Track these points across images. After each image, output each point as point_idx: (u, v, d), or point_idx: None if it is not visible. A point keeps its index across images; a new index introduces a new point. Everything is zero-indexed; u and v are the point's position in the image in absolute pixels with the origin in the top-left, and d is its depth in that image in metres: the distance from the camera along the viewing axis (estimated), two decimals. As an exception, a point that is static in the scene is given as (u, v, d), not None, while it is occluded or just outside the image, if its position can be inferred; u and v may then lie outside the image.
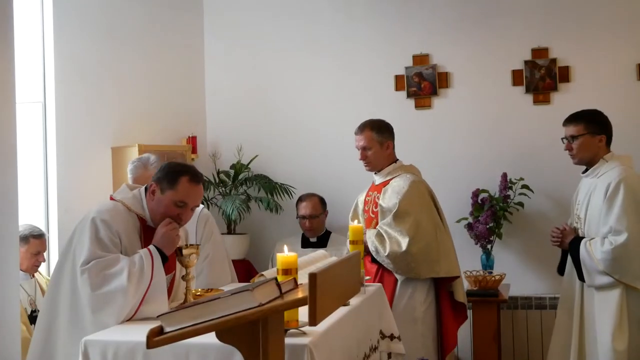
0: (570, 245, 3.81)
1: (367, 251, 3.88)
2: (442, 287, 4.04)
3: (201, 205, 3.74)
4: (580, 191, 3.96)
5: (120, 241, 2.84)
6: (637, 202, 3.64)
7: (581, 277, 3.75)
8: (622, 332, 3.60)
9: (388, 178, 4.13)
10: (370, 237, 3.94)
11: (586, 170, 3.91)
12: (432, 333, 4.01)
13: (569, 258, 3.88)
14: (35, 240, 4.16)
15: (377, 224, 4.00)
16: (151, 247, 2.83)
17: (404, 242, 3.87)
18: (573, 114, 3.92)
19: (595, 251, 3.65)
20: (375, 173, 4.21)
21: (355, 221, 3.40)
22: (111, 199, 2.99)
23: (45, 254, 4.30)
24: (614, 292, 3.63)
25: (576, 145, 3.83)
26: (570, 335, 3.79)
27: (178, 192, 2.87)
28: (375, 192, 4.15)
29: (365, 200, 4.24)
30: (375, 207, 4.09)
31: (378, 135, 4.12)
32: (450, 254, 4.04)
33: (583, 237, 3.79)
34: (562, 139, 3.92)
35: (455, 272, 4.00)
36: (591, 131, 3.80)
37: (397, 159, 4.22)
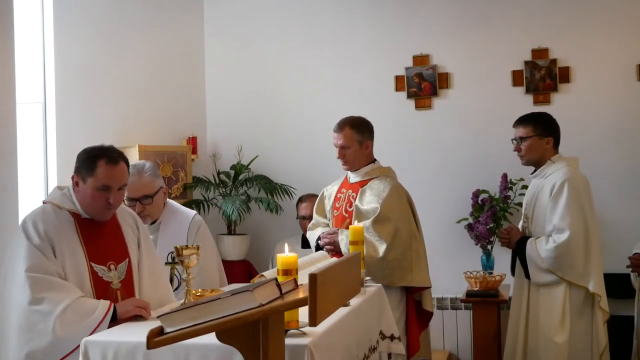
0: (517, 245, 3.93)
1: (336, 251, 3.85)
2: (410, 294, 3.99)
3: (193, 212, 3.72)
4: (528, 192, 4.06)
5: (48, 240, 2.77)
6: (580, 201, 3.76)
7: (527, 276, 3.87)
8: (563, 326, 3.73)
9: (366, 178, 4.04)
10: (344, 240, 3.88)
11: (535, 171, 4.00)
12: (404, 340, 3.95)
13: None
14: None
15: (349, 223, 3.94)
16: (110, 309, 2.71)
17: (381, 249, 3.80)
18: (522, 116, 4.01)
19: (539, 250, 3.77)
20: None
21: (355, 221, 3.39)
22: (43, 202, 2.95)
23: None
24: (558, 289, 3.76)
25: (524, 146, 3.91)
26: (518, 334, 3.91)
27: (98, 178, 2.80)
28: (351, 191, 4.06)
29: (336, 196, 4.14)
30: (350, 207, 4.03)
31: (358, 135, 4.02)
32: (423, 264, 3.99)
33: (530, 237, 3.89)
34: (512, 140, 3.97)
35: (427, 282, 3.96)
36: (539, 133, 3.90)
37: (375, 159, 4.13)
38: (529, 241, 3.85)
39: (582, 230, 3.74)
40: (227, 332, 1.99)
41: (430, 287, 4.00)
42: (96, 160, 2.81)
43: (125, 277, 2.87)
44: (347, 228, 3.76)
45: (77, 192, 2.89)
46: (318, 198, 4.30)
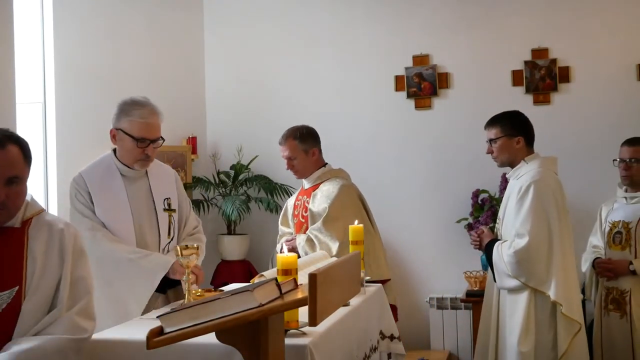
0: (486, 248, 3.85)
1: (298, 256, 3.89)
2: None
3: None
4: (505, 193, 4.00)
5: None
6: (544, 205, 3.63)
7: (495, 279, 3.80)
8: (528, 334, 3.61)
9: (317, 182, 4.15)
10: (301, 243, 3.95)
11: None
12: None
13: None
14: None
15: (307, 228, 4.03)
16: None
17: (334, 247, 3.85)
18: (492, 117, 3.92)
19: (503, 254, 3.68)
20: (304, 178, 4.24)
21: (355, 221, 3.39)
22: None
23: None
24: (522, 295, 3.64)
25: (495, 148, 3.83)
26: (489, 336, 3.84)
27: None
28: (305, 197, 4.17)
29: (295, 204, 4.26)
30: (305, 212, 4.10)
31: (302, 144, 4.13)
32: (380, 258, 4.03)
33: (499, 239, 3.83)
34: (486, 141, 3.91)
35: (385, 275, 3.98)
36: (508, 133, 3.80)
37: (326, 163, 4.24)
38: (495, 244, 3.76)
39: (545, 236, 3.60)
40: (227, 332, 1.99)
41: (389, 280, 4.01)
42: None
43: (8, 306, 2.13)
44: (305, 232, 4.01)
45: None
46: (282, 211, 4.42)
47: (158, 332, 1.99)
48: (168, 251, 3.26)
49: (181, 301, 2.96)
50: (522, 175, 3.76)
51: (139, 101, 3.26)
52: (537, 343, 3.61)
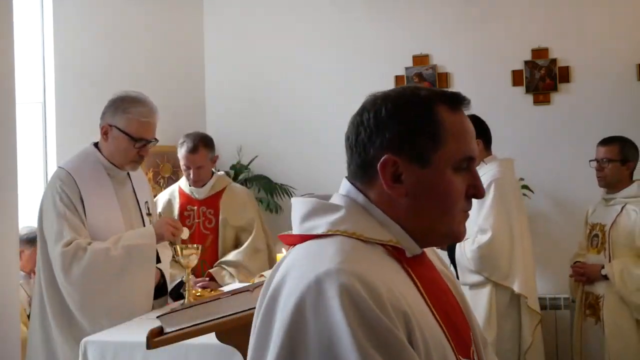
0: (448, 246, 3.91)
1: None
2: None
3: None
4: None
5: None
6: (505, 202, 3.75)
7: (458, 276, 3.87)
8: (490, 326, 3.72)
9: (217, 191, 4.17)
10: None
11: None
12: None
13: None
14: None
15: (214, 240, 4.08)
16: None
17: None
18: None
19: (466, 251, 3.77)
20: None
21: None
22: None
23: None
24: (484, 290, 3.76)
25: None
26: None
27: None
28: (205, 207, 4.14)
29: (184, 214, 4.15)
30: (210, 223, 4.10)
31: (210, 152, 4.15)
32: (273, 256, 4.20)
33: None
34: None
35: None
36: None
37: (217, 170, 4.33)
38: (458, 242, 3.84)
39: (506, 231, 3.73)
40: (227, 332, 1.99)
41: None
42: None
43: None
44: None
45: None
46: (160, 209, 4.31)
47: (158, 332, 1.99)
48: None
49: (181, 301, 2.96)
50: (481, 176, 3.81)
51: (137, 98, 3.07)
52: (499, 336, 3.72)
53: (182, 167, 4.13)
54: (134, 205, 3.16)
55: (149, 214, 3.21)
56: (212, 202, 4.13)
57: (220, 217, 4.08)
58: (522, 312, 3.75)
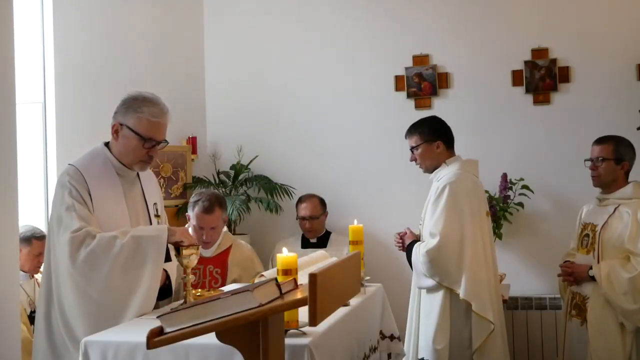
0: (407, 249, 3.93)
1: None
2: None
3: None
4: (428, 195, 4.05)
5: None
6: (457, 206, 3.73)
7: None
8: (443, 332, 3.70)
9: (223, 249, 4.20)
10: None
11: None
12: None
13: None
14: (37, 241, 4.16)
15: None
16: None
17: None
18: (410, 125, 4.02)
19: (419, 254, 3.76)
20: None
21: (355, 221, 3.40)
22: None
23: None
24: (438, 294, 3.75)
25: (417, 155, 3.95)
26: (411, 336, 3.93)
27: None
28: (212, 266, 4.14)
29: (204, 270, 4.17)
30: (216, 283, 4.12)
31: (224, 212, 4.21)
32: None
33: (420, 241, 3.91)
34: (409, 149, 4.02)
35: None
36: (427, 139, 3.91)
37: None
38: (415, 245, 3.84)
39: (456, 236, 3.69)
40: (227, 332, 1.99)
41: None
42: None
43: None
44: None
45: None
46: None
47: (158, 332, 1.99)
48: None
49: (181, 301, 2.96)
50: (441, 178, 3.88)
51: (149, 98, 3.05)
52: (453, 341, 3.70)
53: (193, 225, 4.03)
54: (142, 206, 3.13)
55: (157, 216, 3.17)
56: (219, 260, 4.10)
57: (229, 279, 4.04)
58: (473, 317, 3.70)
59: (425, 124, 3.97)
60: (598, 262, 3.75)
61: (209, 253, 4.12)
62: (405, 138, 4.01)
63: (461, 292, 3.67)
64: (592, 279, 3.73)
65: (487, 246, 3.85)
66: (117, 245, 2.80)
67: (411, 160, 4.00)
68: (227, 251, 4.17)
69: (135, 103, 3.01)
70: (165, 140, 3.09)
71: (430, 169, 3.95)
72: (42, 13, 4.78)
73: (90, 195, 2.93)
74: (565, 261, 4.01)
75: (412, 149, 3.96)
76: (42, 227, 4.52)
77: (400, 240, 4.00)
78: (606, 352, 3.68)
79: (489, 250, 3.86)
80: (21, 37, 4.12)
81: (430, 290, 3.78)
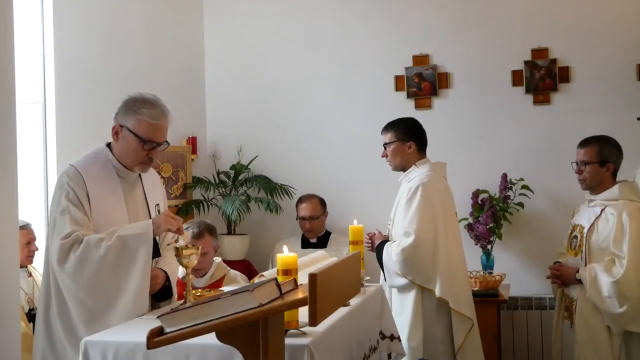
0: (377, 249, 3.98)
1: None
2: None
3: None
4: (397, 196, 4.11)
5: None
6: (431, 206, 3.81)
7: (386, 279, 3.91)
8: (417, 330, 3.77)
9: (216, 280, 4.19)
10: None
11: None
12: None
13: None
14: (22, 231, 4.19)
15: None
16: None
17: None
18: (388, 122, 4.10)
19: (392, 253, 3.81)
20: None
21: (355, 221, 3.40)
22: None
23: (36, 243, 4.32)
24: (410, 293, 3.80)
25: (389, 152, 4.03)
26: None
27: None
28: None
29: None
30: None
31: (214, 239, 4.28)
32: None
33: (390, 241, 3.96)
34: (383, 145, 4.09)
35: None
36: (400, 138, 4.00)
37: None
38: (385, 245, 3.89)
39: (430, 235, 3.77)
40: (227, 332, 1.99)
41: None
42: None
43: None
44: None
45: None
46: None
47: (158, 332, 1.99)
48: (157, 262, 3.09)
49: (181, 301, 2.96)
50: (412, 179, 3.96)
51: (149, 99, 3.05)
52: (426, 338, 3.77)
53: None
54: (142, 207, 3.11)
55: None
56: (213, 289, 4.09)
57: None
58: (453, 314, 3.78)
59: (402, 123, 4.07)
60: (586, 265, 3.73)
61: (202, 282, 4.10)
62: (381, 134, 4.10)
63: (437, 290, 3.75)
64: (580, 281, 3.72)
65: (459, 245, 3.98)
66: (103, 247, 2.82)
67: (382, 156, 4.09)
68: (220, 281, 4.16)
69: (135, 105, 3.01)
70: (166, 142, 3.09)
71: (399, 167, 4.05)
72: (42, 13, 4.78)
73: (88, 196, 2.93)
74: (555, 262, 4.02)
75: (385, 145, 4.05)
76: (42, 227, 4.53)
77: (370, 241, 4.04)
78: (594, 356, 3.68)
79: (460, 249, 3.98)
80: (21, 37, 4.12)
81: (402, 289, 3.85)
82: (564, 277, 3.85)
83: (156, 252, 2.99)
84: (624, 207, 3.65)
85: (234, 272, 4.36)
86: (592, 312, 3.69)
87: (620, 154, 3.86)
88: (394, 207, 4.05)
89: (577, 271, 3.74)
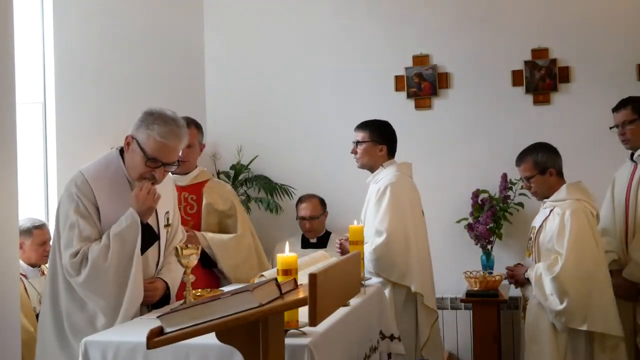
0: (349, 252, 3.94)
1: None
2: None
3: None
4: (366, 197, 4.17)
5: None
6: (400, 205, 3.89)
7: None
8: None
9: (199, 181, 4.07)
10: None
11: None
12: None
13: None
14: (38, 230, 4.22)
15: (195, 226, 3.95)
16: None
17: None
18: (362, 121, 4.16)
19: (365, 253, 3.76)
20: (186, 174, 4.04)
21: (355, 221, 3.41)
22: None
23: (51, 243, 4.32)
24: (385, 290, 3.82)
25: (360, 150, 4.10)
26: None
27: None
28: (187, 193, 4.01)
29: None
30: (192, 209, 4.03)
31: (200, 134, 4.11)
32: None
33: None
34: (352, 142, 4.14)
35: None
36: (374, 140, 4.08)
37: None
38: None
39: (401, 232, 3.86)
40: (227, 332, 1.99)
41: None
42: None
43: None
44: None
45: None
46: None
47: (158, 332, 1.99)
48: (159, 265, 3.10)
49: (181, 301, 2.96)
50: (380, 180, 4.04)
51: (164, 116, 2.94)
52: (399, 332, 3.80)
53: None
54: (151, 218, 3.04)
55: (167, 225, 3.12)
56: (195, 189, 4.03)
57: (205, 202, 3.97)
58: (419, 309, 3.90)
59: (378, 126, 4.13)
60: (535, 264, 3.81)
61: (184, 181, 3.99)
62: (354, 130, 4.14)
63: (413, 285, 3.85)
64: (529, 281, 3.79)
65: (427, 242, 4.09)
66: (109, 256, 2.84)
67: (351, 153, 4.13)
68: (202, 183, 4.06)
69: (149, 119, 2.93)
70: (175, 163, 2.98)
71: (365, 166, 4.12)
72: (42, 13, 4.77)
73: (97, 207, 2.91)
74: (517, 264, 4.11)
75: (357, 142, 4.10)
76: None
77: (340, 247, 4.04)
78: (539, 353, 3.72)
79: (427, 245, 4.10)
80: (21, 37, 4.12)
81: None
82: (516, 277, 3.95)
83: (154, 235, 3.01)
84: (569, 206, 3.73)
85: (218, 180, 4.35)
86: (539, 311, 3.75)
87: (556, 154, 3.94)
88: (363, 209, 4.13)
89: (527, 271, 3.83)
